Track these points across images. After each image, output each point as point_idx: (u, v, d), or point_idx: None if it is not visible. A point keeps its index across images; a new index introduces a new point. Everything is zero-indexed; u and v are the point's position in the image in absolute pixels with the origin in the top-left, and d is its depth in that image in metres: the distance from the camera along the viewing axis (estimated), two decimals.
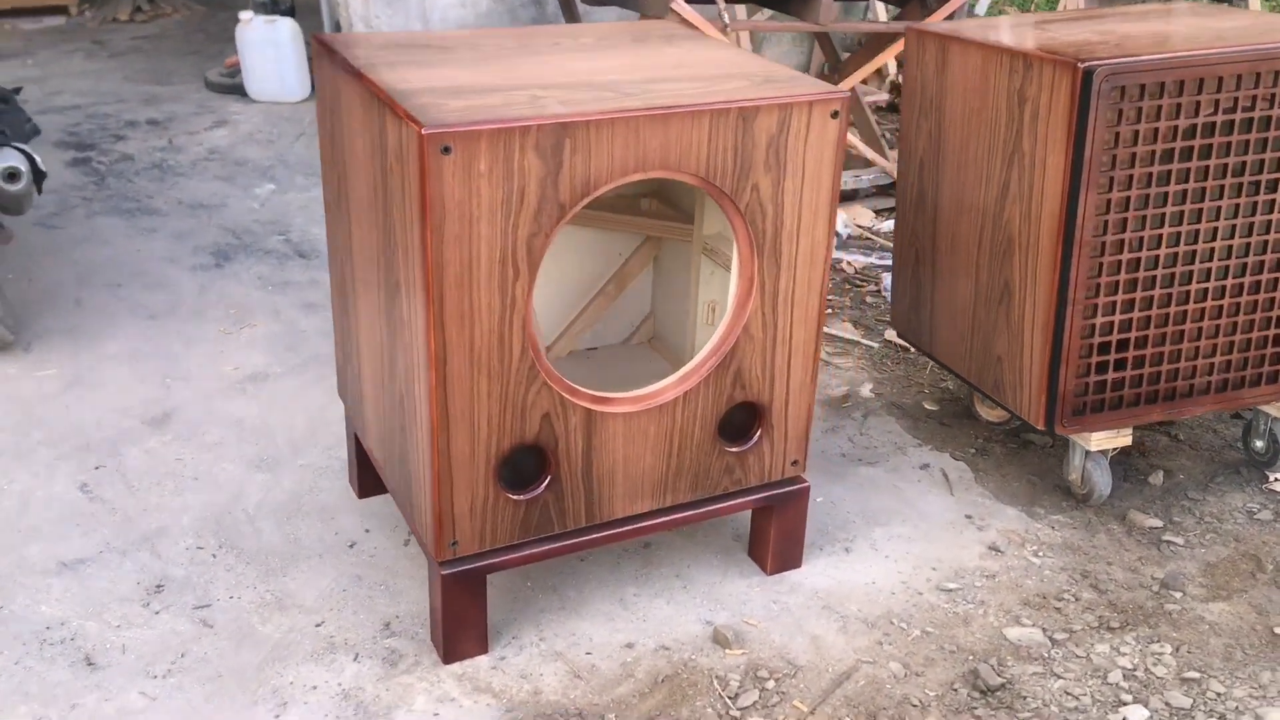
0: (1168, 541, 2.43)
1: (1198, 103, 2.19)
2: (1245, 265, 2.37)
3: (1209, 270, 2.34)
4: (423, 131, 1.65)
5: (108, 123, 5.27)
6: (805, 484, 2.25)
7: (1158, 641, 2.14)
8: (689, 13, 3.71)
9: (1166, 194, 2.24)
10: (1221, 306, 2.37)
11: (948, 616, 2.20)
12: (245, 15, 5.59)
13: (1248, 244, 2.34)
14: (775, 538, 2.28)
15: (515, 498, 1.96)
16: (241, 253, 3.81)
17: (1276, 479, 2.63)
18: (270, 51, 5.56)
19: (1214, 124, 2.21)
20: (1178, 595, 2.27)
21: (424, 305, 1.76)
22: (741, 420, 2.14)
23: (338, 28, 5.40)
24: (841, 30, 4.08)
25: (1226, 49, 2.17)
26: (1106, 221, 2.21)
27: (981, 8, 4.96)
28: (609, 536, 2.10)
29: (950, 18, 4.15)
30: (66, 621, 2.13)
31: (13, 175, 2.89)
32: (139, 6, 7.93)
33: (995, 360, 2.45)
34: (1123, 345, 2.33)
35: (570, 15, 4.72)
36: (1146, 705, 1.99)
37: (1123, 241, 2.24)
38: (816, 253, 2.03)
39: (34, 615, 2.14)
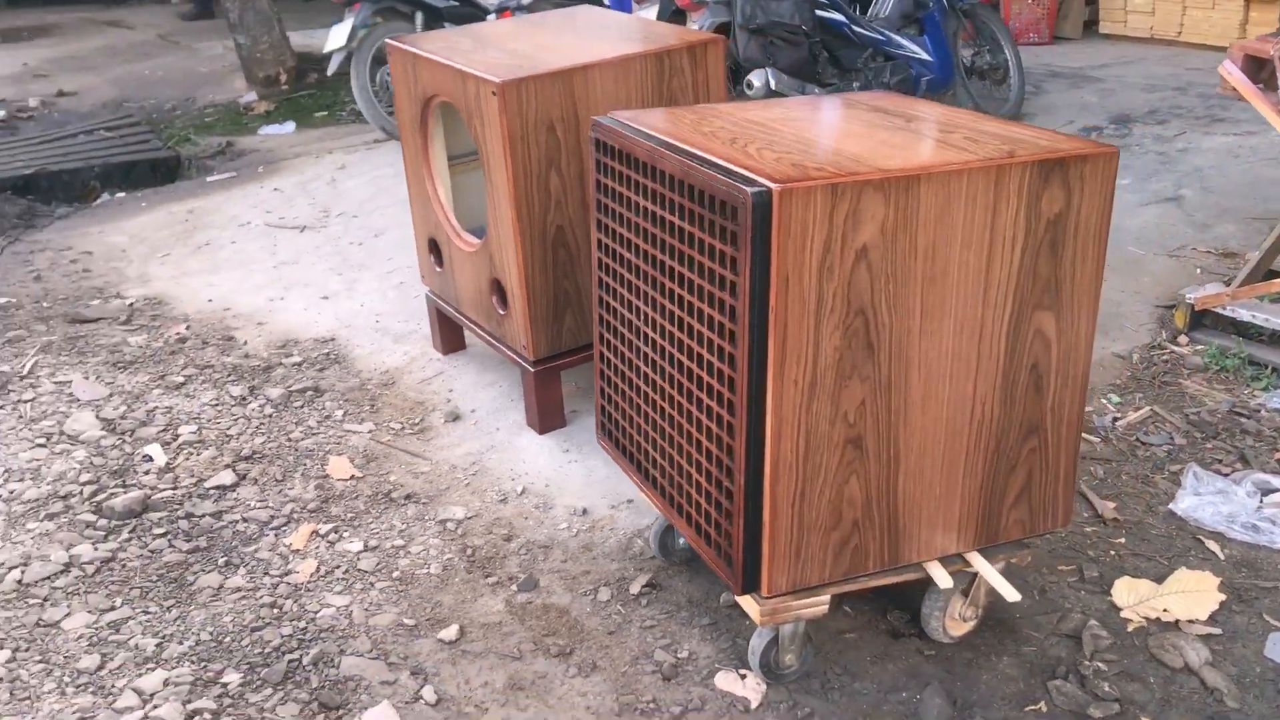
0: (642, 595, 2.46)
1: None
2: (686, 385, 2.15)
3: (658, 365, 2.22)
4: (392, 42, 3.29)
5: None
6: (536, 369, 3.05)
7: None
8: (1238, 79, 3.12)
9: (624, 261, 2.28)
10: (672, 418, 2.19)
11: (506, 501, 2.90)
12: None
13: (685, 360, 2.14)
14: (537, 401, 3.14)
15: None
16: None
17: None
18: None
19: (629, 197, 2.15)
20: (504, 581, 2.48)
21: None
22: (503, 295, 3.11)
23: None
24: None
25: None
26: (602, 261, 2.38)
27: None
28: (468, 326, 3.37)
29: None
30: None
31: None
32: None
33: None
34: (622, 394, 2.42)
35: None
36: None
37: (605, 285, 2.37)
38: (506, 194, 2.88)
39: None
